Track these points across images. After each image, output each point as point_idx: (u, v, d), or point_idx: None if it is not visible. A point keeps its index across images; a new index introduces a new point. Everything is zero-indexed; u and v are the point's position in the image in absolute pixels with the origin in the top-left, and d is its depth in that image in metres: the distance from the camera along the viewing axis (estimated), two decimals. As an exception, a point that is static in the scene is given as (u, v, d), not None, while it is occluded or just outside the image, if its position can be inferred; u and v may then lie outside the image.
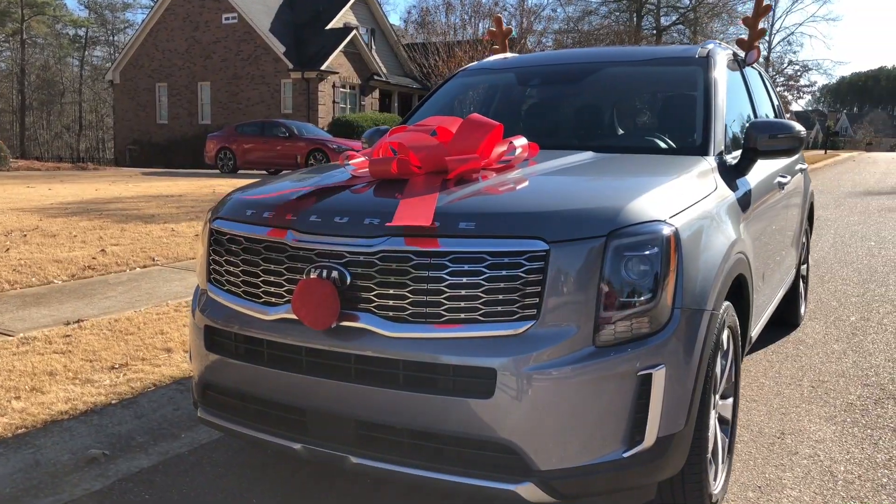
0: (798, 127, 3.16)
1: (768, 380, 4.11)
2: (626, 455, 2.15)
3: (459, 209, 2.26)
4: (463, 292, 2.14)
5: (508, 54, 4.61)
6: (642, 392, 2.14)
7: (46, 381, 3.82)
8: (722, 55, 3.70)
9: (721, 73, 3.52)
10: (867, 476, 2.98)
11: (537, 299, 2.11)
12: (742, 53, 4.20)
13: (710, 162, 2.98)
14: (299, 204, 2.50)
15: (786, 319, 5.02)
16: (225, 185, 14.54)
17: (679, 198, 2.46)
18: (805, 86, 51.98)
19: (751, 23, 4.19)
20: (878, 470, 3.03)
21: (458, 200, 2.33)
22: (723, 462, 2.71)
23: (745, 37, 4.24)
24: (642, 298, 2.16)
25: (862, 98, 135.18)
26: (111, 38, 63.17)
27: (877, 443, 3.30)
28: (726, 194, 2.85)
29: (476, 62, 4.38)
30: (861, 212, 12.54)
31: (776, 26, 47.13)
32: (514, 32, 14.23)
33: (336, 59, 31.06)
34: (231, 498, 2.85)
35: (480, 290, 2.13)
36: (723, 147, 3.18)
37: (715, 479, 2.60)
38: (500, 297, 2.12)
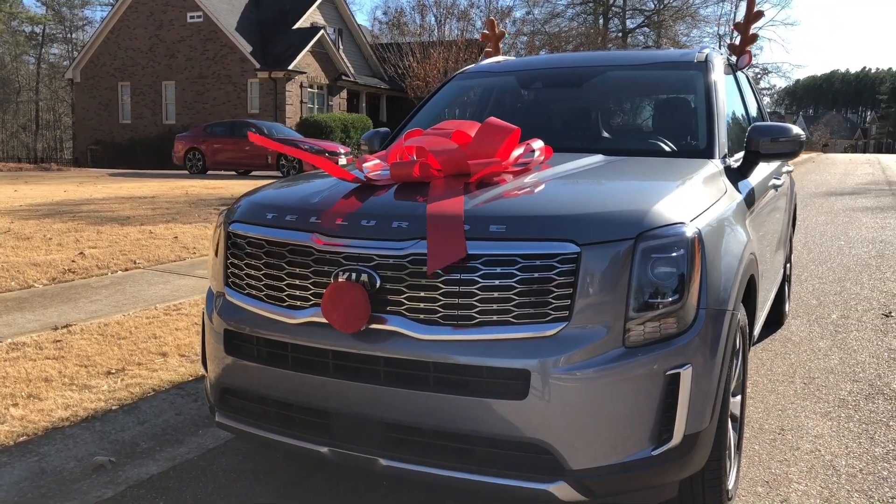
0: (797, 130, 3.25)
1: (761, 377, 4.21)
2: (654, 453, 2.19)
3: (489, 212, 2.28)
4: (496, 294, 2.16)
5: (501, 57, 4.65)
6: (670, 391, 2.19)
7: (43, 388, 3.75)
8: (719, 59, 3.78)
9: (720, 78, 3.60)
10: (868, 469, 3.08)
11: (569, 301, 2.14)
12: (734, 58, 4.30)
13: (716, 165, 3.05)
14: (322, 207, 2.50)
15: (771, 318, 5.14)
16: (197, 187, 14.35)
17: (697, 201, 2.51)
18: (765, 88, 53.08)
19: (742, 28, 4.28)
20: (877, 463, 3.13)
21: (485, 203, 2.36)
22: (734, 458, 2.77)
23: (736, 41, 4.34)
24: (670, 299, 2.20)
25: (817, 100, 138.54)
26: (69, 35, 61.88)
27: (873, 437, 3.40)
28: (735, 196, 2.92)
29: (473, 65, 4.41)
30: (827, 212, 12.87)
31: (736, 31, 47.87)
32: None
33: (304, 59, 30.85)
34: (245, 502, 2.84)
35: (513, 292, 2.15)
36: (726, 150, 3.25)
37: (728, 475, 2.67)
38: (533, 299, 2.15)
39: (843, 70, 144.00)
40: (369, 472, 2.40)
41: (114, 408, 3.59)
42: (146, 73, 32.70)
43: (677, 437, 2.21)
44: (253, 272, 2.56)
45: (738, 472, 2.81)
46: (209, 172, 21.33)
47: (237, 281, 2.64)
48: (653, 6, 36.23)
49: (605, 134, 3.62)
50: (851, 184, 19.46)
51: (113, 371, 4.02)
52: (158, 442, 3.37)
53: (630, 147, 3.32)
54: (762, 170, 3.59)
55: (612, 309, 2.16)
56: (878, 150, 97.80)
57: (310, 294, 2.40)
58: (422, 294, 2.23)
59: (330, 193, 2.60)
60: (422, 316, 2.23)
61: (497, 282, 2.16)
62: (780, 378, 4.20)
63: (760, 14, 4.25)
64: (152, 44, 32.45)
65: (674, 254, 2.21)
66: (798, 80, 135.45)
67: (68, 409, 3.52)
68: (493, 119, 2.72)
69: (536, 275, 2.15)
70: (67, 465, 3.08)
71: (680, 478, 2.31)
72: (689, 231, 2.27)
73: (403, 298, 2.25)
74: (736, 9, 47.16)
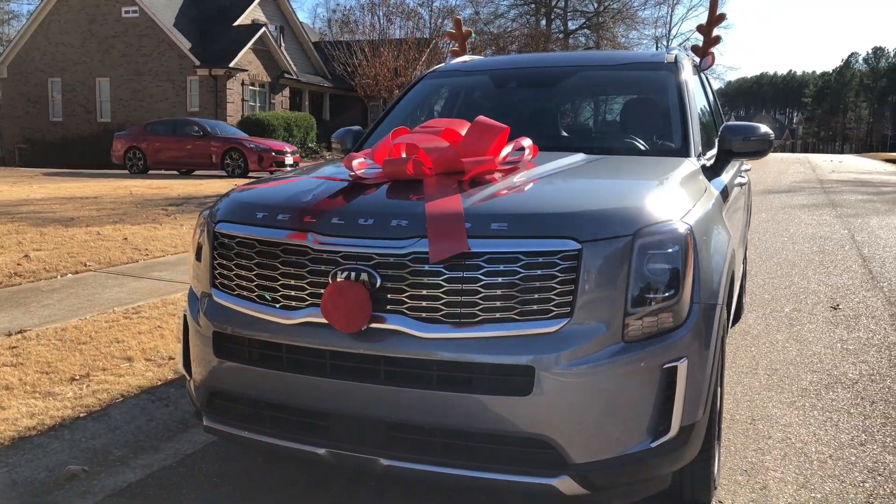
0: (767, 129, 3.36)
1: (727, 370, 4.33)
2: (653, 445, 2.24)
3: (489, 210, 2.29)
4: (499, 292, 2.17)
5: (468, 57, 4.66)
6: (668, 384, 2.24)
7: (4, 396, 3.60)
8: (687, 61, 3.88)
9: (690, 78, 3.70)
10: (837, 455, 3.20)
11: (571, 297, 2.17)
12: (697, 59, 4.41)
13: (693, 163, 3.12)
14: (316, 206, 2.46)
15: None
16: (140, 187, 13.95)
17: (685, 198, 2.57)
18: (700, 89, 54.37)
19: (705, 30, 4.40)
20: (845, 449, 3.27)
21: (484, 201, 2.36)
22: (716, 447, 2.85)
23: (698, 43, 4.45)
24: (666, 294, 2.25)
25: (748, 102, 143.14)
26: (-6, 29, 59.23)
27: (837, 424, 3.55)
28: (713, 194, 3.00)
29: (443, 64, 4.41)
30: (767, 209, 13.31)
31: (673, 32, 49.31)
32: (427, 34, 14.31)
33: (245, 57, 30.32)
34: (234, 508, 2.79)
35: (516, 289, 2.17)
36: (700, 149, 3.34)
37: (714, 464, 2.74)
38: (536, 296, 2.17)
39: (771, 73, 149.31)
40: (369, 472, 2.38)
41: (82, 415, 3.47)
42: (78, 70, 31.63)
43: (674, 429, 2.26)
44: (243, 273, 2.51)
45: (719, 461, 2.89)
46: (150, 172, 20.75)
47: (225, 282, 2.58)
48: (593, 8, 36.92)
49: (583, 133, 3.68)
50: (786, 182, 20.17)
51: (77, 377, 3.88)
52: (132, 449, 3.28)
53: (608, 146, 3.37)
54: (729, 168, 3.70)
55: (611, 305, 2.19)
56: (805, 150, 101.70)
57: (306, 294, 2.36)
58: (424, 292, 2.22)
59: (321, 192, 2.57)
60: (423, 314, 2.22)
61: (500, 279, 2.17)
62: (744, 370, 4.34)
63: (723, 17, 4.36)
64: (84, 38, 31.40)
65: (669, 250, 2.27)
66: (730, 82, 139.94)
67: (34, 418, 3.38)
68: (482, 118, 2.73)
69: (539, 272, 2.17)
70: (39, 476, 2.96)
71: (675, 468, 2.36)
72: (683, 228, 2.32)
73: (405, 297, 2.24)
74: (672, 11, 48.47)
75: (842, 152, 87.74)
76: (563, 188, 2.60)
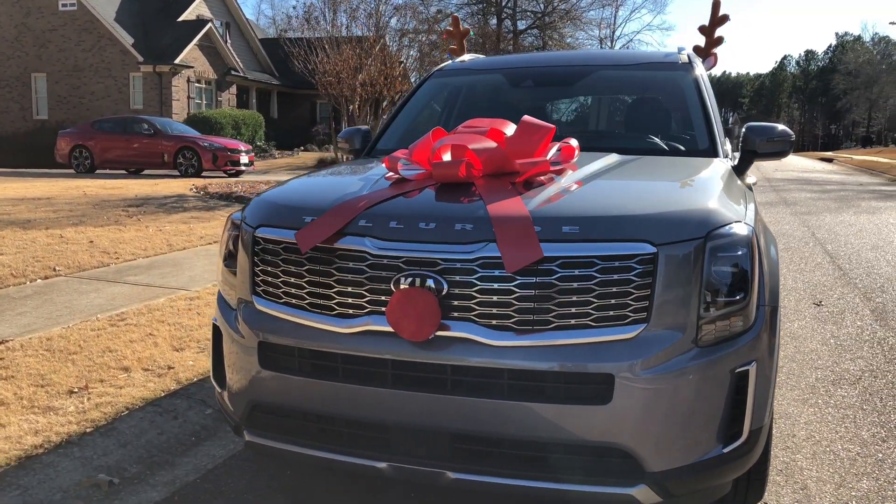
0: (787, 129, 3.39)
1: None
2: (725, 451, 2.21)
3: (558, 213, 2.23)
4: (574, 298, 2.11)
5: (469, 56, 4.59)
6: (739, 389, 2.21)
7: (1, 412, 3.37)
8: (698, 61, 3.89)
9: (706, 78, 3.70)
10: (865, 453, 3.25)
11: (647, 302, 2.12)
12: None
13: (725, 163, 3.12)
14: (370, 209, 2.36)
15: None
16: (93, 187, 13.42)
17: (738, 199, 2.56)
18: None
19: (707, 31, 4.43)
20: (869, 447, 3.32)
21: (547, 204, 2.29)
22: None
23: (700, 44, 4.48)
24: (737, 297, 2.22)
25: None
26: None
27: (854, 421, 3.61)
28: (751, 194, 3.00)
29: (449, 62, 4.33)
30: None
31: (616, 33, 50.13)
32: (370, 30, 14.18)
33: (190, 53, 29.56)
34: (274, 526, 2.66)
35: (592, 294, 2.11)
36: (726, 149, 3.34)
37: None
38: (612, 301, 2.11)
39: (710, 73, 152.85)
40: (434, 486, 2.29)
41: (89, 430, 3.27)
42: (12, 64, 30.33)
43: (745, 433, 2.23)
44: (292, 280, 2.39)
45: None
46: (98, 171, 19.98)
47: (270, 289, 2.45)
48: (541, 9, 37.23)
49: (608, 133, 3.64)
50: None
51: (75, 390, 3.66)
52: (147, 465, 3.11)
53: (635, 146, 3.34)
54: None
55: (686, 309, 2.15)
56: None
57: (364, 302, 2.26)
58: (494, 299, 2.14)
59: (372, 194, 2.47)
60: (494, 322, 2.15)
61: (575, 284, 2.11)
62: (750, 368, 4.38)
63: (726, 18, 4.39)
64: (19, 32, 30.13)
65: (739, 252, 2.24)
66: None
67: (38, 435, 3.18)
68: (528, 118, 2.66)
69: (616, 276, 2.11)
70: (55, 498, 2.78)
71: (741, 473, 2.34)
72: (748, 229, 2.30)
73: (473, 304, 2.16)
74: (616, 13, 49.27)
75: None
76: (626, 190, 2.55)
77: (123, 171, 20.18)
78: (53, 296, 5.53)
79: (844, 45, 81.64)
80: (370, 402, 2.27)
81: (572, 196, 2.39)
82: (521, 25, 37.03)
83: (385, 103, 12.67)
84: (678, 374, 2.13)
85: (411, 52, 14.57)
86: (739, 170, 3.35)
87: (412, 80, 16.10)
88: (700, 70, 3.75)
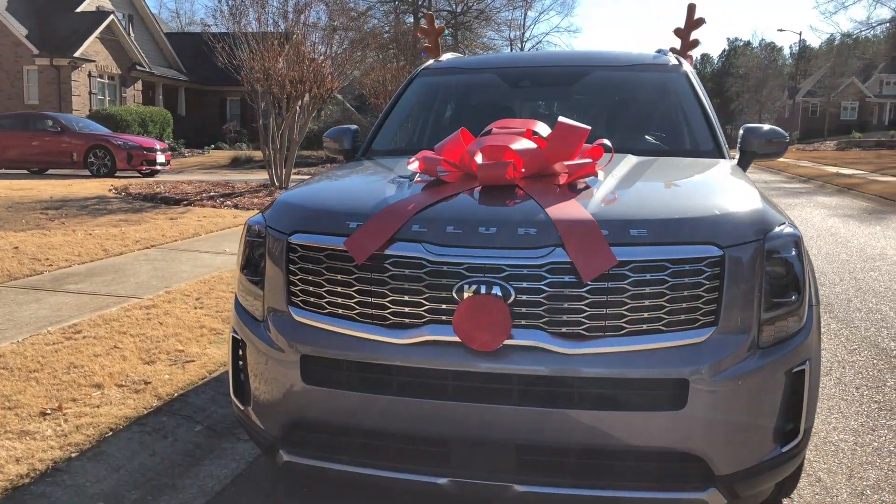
0: (784, 132, 3.48)
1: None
2: (784, 450, 2.24)
3: (623, 216, 2.19)
4: (646, 303, 2.08)
5: (451, 54, 4.51)
6: (796, 388, 2.24)
7: (-29, 439, 3.05)
8: (686, 62, 3.95)
9: (698, 79, 3.77)
10: (862, 442, 3.38)
11: (715, 306, 2.11)
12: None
13: (733, 164, 3.17)
14: (419, 214, 2.25)
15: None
16: (4, 188, 12.51)
17: (771, 202, 2.60)
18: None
19: (683, 34, 4.51)
20: (862, 436, 3.45)
21: (609, 206, 2.26)
22: None
23: (676, 46, 4.56)
24: (792, 298, 2.25)
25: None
26: None
27: (841, 411, 3.75)
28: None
29: (433, 61, 4.23)
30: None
31: (526, 35, 51.03)
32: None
33: (92, 46, 28.11)
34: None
35: (664, 299, 2.08)
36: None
37: None
38: (684, 305, 2.09)
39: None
40: (499, 500, 2.21)
41: (74, 455, 3.01)
42: None
43: (801, 432, 2.27)
44: (339, 289, 2.25)
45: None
46: (-2, 171, 18.64)
47: (312, 299, 2.31)
48: (458, 8, 37.43)
49: (615, 135, 3.63)
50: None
51: (48, 411, 3.36)
52: (147, 490, 2.89)
53: (643, 148, 3.34)
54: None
55: (749, 311, 2.16)
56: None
57: (423, 311, 2.15)
58: (564, 305, 2.08)
59: (417, 197, 2.36)
60: (564, 329, 2.09)
61: (648, 289, 2.08)
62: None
63: (702, 21, 4.49)
64: None
65: (793, 252, 2.27)
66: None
67: (21, 463, 2.89)
68: (565, 120, 2.61)
69: (687, 280, 2.09)
70: (55, 533, 2.54)
71: (791, 472, 2.37)
72: (796, 230, 2.34)
73: (542, 311, 2.09)
74: (525, 14, 50.10)
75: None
76: (681, 192, 2.54)
77: (25, 171, 18.90)
78: (-10, 307, 5.09)
79: (736, 50, 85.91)
80: (428, 416, 2.17)
81: (629, 198, 2.36)
82: (438, 24, 36.98)
83: (302, 99, 12.32)
84: (746, 377, 2.13)
85: (338, 49, 14.26)
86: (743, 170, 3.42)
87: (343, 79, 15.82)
88: (691, 71, 3.81)
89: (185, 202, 11.29)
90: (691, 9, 4.51)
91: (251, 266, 2.56)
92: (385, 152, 3.60)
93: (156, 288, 5.82)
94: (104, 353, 4.15)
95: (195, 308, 5.18)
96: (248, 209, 10.89)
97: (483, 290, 2.08)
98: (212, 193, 12.22)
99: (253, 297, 2.51)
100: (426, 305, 2.15)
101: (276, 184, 13.30)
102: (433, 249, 2.15)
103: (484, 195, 2.38)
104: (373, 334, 2.19)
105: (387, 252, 2.19)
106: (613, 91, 3.83)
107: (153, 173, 17.95)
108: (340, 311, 2.25)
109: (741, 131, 3.47)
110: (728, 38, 79.78)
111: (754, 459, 2.19)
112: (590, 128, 2.63)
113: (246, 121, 34.56)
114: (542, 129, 2.72)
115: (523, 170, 2.46)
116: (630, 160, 2.91)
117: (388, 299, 2.19)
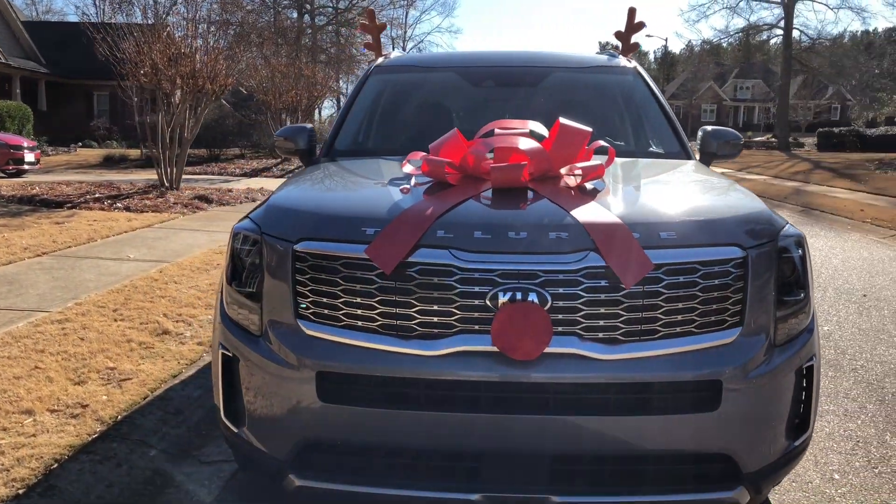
0: (739, 133, 3.61)
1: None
2: (796, 444, 2.30)
3: (650, 218, 2.17)
4: (680, 305, 2.07)
5: (398, 51, 4.38)
6: (808, 384, 2.31)
7: None
8: (638, 65, 4.02)
9: (653, 82, 3.84)
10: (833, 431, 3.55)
11: (741, 306, 2.14)
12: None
13: (705, 166, 3.25)
14: (441, 218, 2.14)
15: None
16: None
17: (758, 201, 2.67)
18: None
19: (623, 37, 4.59)
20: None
21: (632, 209, 2.23)
22: None
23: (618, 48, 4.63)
24: (801, 296, 2.32)
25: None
26: None
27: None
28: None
29: (385, 58, 4.08)
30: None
31: (408, 34, 51.13)
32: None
33: (-63, 34, 25.55)
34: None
35: (697, 301, 2.08)
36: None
37: None
38: (714, 306, 2.11)
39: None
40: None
41: (21, 492, 2.69)
42: None
43: (811, 426, 2.34)
44: (357, 300, 2.10)
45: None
46: None
47: (325, 311, 2.14)
48: (342, 6, 36.94)
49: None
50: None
51: (-22, 444, 2.98)
52: (113, 526, 2.61)
53: (622, 150, 3.35)
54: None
55: (767, 310, 2.20)
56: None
57: (454, 320, 2.05)
58: (601, 311, 2.04)
59: (435, 202, 2.24)
60: (601, 334, 2.05)
61: (681, 291, 2.07)
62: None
63: (642, 25, 4.57)
64: None
65: (800, 251, 2.34)
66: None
67: (-39, 507, 2.54)
68: (567, 122, 2.57)
69: (716, 281, 2.11)
70: (19, 584, 2.24)
71: (796, 465, 2.44)
72: (798, 231, 2.41)
73: (579, 317, 2.04)
74: (407, 14, 50.20)
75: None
76: (698, 194, 2.56)
77: None
78: None
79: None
80: (458, 430, 2.07)
81: (647, 201, 2.35)
82: (321, 21, 36.45)
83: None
84: (771, 375, 2.18)
85: (224, 44, 13.66)
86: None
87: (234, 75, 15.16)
88: (646, 74, 3.88)
89: (69, 205, 10.46)
90: (632, 12, 4.59)
91: (241, 276, 2.36)
92: (350, 153, 3.44)
93: (62, 300, 5.32)
94: (25, 375, 3.74)
95: (115, 321, 4.77)
96: (141, 211, 10.22)
97: (519, 297, 2.00)
98: (97, 195, 11.39)
99: (247, 310, 2.31)
100: (457, 315, 2.05)
101: (167, 184, 12.57)
102: (462, 256, 2.05)
103: (499, 198, 2.31)
104: (398, 347, 2.07)
105: (411, 259, 2.07)
106: (575, 92, 3.84)
107: (20, 173, 16.48)
108: (360, 322, 2.11)
109: (700, 133, 3.57)
110: (600, 42, 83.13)
111: (775, 455, 2.23)
112: (591, 130, 2.61)
113: (117, 117, 32.51)
114: (541, 129, 2.67)
115: (531, 171, 2.40)
116: (615, 162, 2.91)
117: (414, 309, 2.07)
